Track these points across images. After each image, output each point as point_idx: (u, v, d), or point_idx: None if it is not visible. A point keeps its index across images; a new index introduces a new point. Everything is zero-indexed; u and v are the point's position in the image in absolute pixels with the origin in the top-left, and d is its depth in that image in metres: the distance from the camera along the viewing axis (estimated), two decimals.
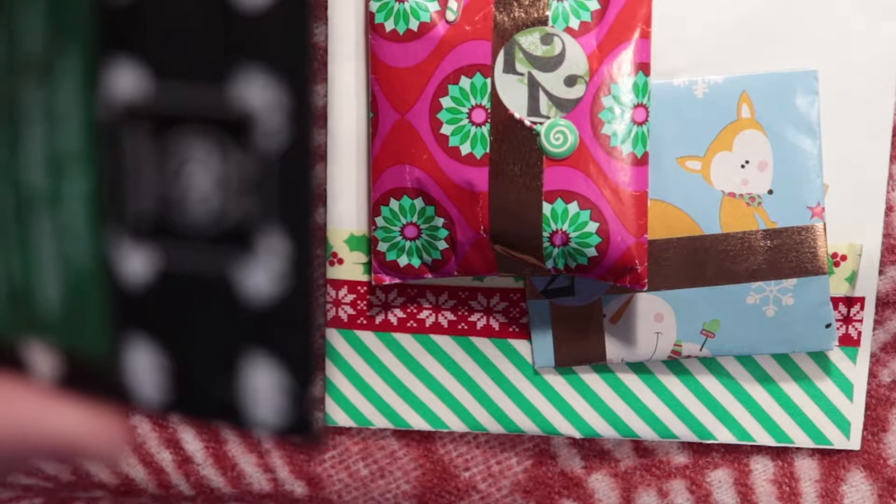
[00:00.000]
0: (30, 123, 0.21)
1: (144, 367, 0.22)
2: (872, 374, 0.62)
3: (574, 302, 0.61)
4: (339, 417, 0.64)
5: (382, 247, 0.59)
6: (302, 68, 0.19)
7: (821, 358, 0.62)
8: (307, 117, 0.20)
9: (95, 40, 0.20)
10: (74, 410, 0.23)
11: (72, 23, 0.20)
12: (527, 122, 0.56)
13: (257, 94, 0.20)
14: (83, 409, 0.23)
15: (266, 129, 0.20)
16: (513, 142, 0.56)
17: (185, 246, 0.21)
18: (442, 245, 0.58)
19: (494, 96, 0.56)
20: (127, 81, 0.20)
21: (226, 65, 0.20)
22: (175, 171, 0.21)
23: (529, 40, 0.56)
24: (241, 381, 0.22)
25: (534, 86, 0.56)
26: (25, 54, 0.21)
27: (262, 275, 0.21)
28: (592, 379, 0.63)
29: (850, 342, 0.61)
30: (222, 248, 0.21)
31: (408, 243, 0.59)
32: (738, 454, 0.64)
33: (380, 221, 0.59)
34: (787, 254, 0.59)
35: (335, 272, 0.62)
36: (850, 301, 0.61)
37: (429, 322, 0.62)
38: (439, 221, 0.58)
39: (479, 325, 0.62)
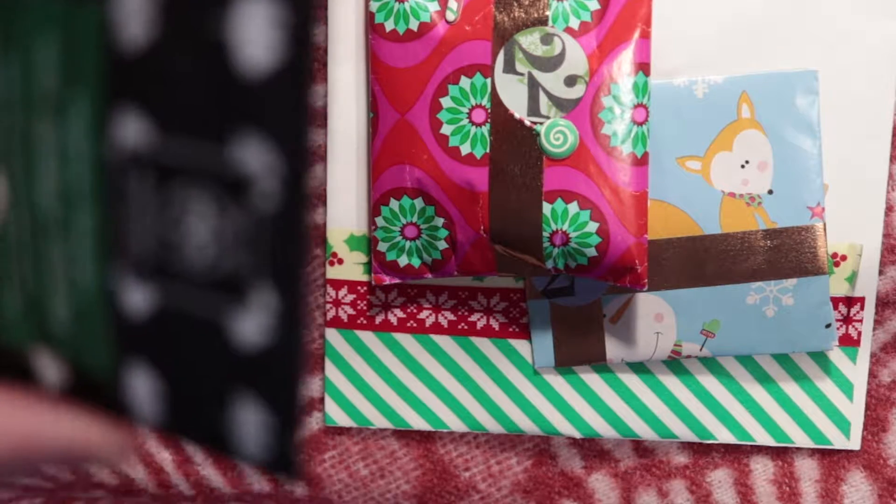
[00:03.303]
0: (43, 156, 0.22)
1: (143, 389, 0.23)
2: (872, 374, 0.62)
3: (574, 302, 0.61)
4: (339, 417, 0.64)
5: (382, 247, 0.59)
6: (298, 136, 0.20)
7: (821, 358, 0.62)
8: (302, 183, 0.21)
9: (105, 88, 0.21)
10: (81, 417, 0.23)
11: (83, 68, 0.21)
12: (527, 122, 0.56)
13: (255, 157, 0.20)
14: (89, 416, 0.24)
15: (261, 191, 0.21)
16: (513, 142, 0.56)
17: (182, 288, 0.22)
18: (442, 245, 0.58)
19: (494, 96, 0.56)
20: (133, 130, 0.21)
21: (226, 126, 0.20)
22: (175, 219, 0.21)
23: (529, 40, 0.56)
24: (229, 415, 0.23)
25: (534, 86, 0.56)
26: (41, 91, 0.21)
27: (252, 325, 0.22)
28: (592, 379, 0.63)
29: (850, 342, 0.61)
30: (216, 294, 0.22)
31: (408, 243, 0.59)
32: (738, 454, 0.64)
33: (380, 221, 0.59)
34: (787, 254, 0.59)
35: (335, 272, 0.62)
36: (850, 301, 0.61)
37: (429, 322, 0.62)
38: (439, 221, 0.58)
39: (479, 325, 0.62)
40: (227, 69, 0.20)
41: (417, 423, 0.64)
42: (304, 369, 0.22)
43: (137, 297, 0.22)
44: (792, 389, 0.62)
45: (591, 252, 0.56)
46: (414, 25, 0.57)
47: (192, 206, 0.21)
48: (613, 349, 0.61)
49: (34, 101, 0.22)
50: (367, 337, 0.63)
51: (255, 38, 0.20)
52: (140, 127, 0.21)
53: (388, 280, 0.60)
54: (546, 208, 0.56)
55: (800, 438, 0.63)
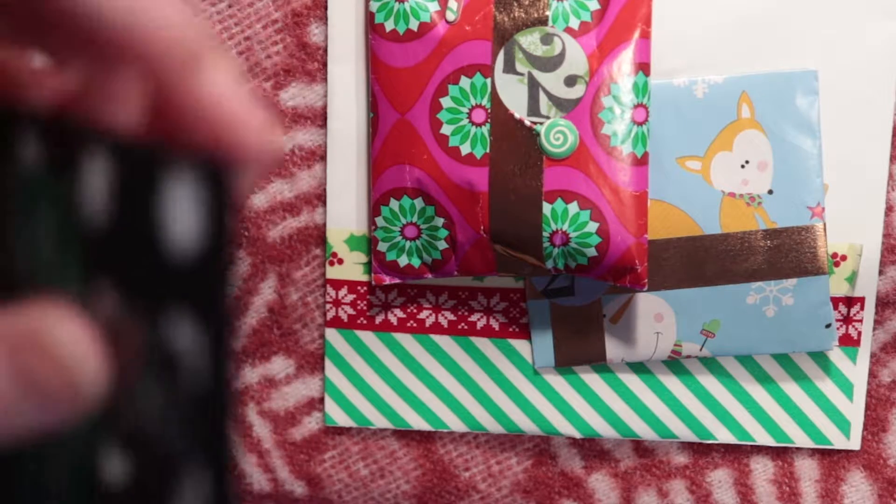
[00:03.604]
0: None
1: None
2: (872, 374, 0.62)
3: (574, 302, 0.61)
4: (339, 417, 0.64)
5: (382, 247, 0.59)
6: (222, 315, 0.21)
7: (821, 358, 0.62)
8: (223, 359, 0.22)
9: (85, 264, 0.22)
10: None
11: (69, 243, 0.22)
12: (527, 122, 0.56)
13: (183, 334, 0.22)
14: None
15: (189, 369, 0.22)
16: (513, 142, 0.56)
17: (139, 454, 0.23)
18: (442, 245, 0.58)
19: (494, 96, 0.56)
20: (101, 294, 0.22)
21: (159, 309, 0.22)
22: (130, 399, 0.22)
23: (529, 40, 0.56)
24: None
25: (534, 86, 0.56)
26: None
27: (187, 496, 0.23)
28: (592, 379, 0.63)
29: (850, 342, 0.61)
30: (155, 475, 0.22)
31: (408, 243, 0.59)
32: (738, 454, 0.64)
33: (380, 221, 0.59)
34: (787, 254, 0.59)
35: (335, 272, 0.62)
36: (850, 301, 0.61)
37: (429, 322, 0.62)
38: (439, 221, 0.58)
39: (479, 325, 0.62)
40: (156, 251, 0.21)
41: (417, 423, 0.64)
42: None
43: (113, 467, 0.23)
44: (792, 389, 0.62)
45: (591, 252, 0.56)
46: (414, 25, 0.57)
47: (142, 387, 0.22)
48: (613, 349, 0.61)
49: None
50: (367, 337, 0.63)
51: (182, 220, 0.21)
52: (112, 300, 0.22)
53: (388, 280, 0.60)
54: (546, 208, 0.56)
55: (800, 438, 0.63)
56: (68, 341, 0.22)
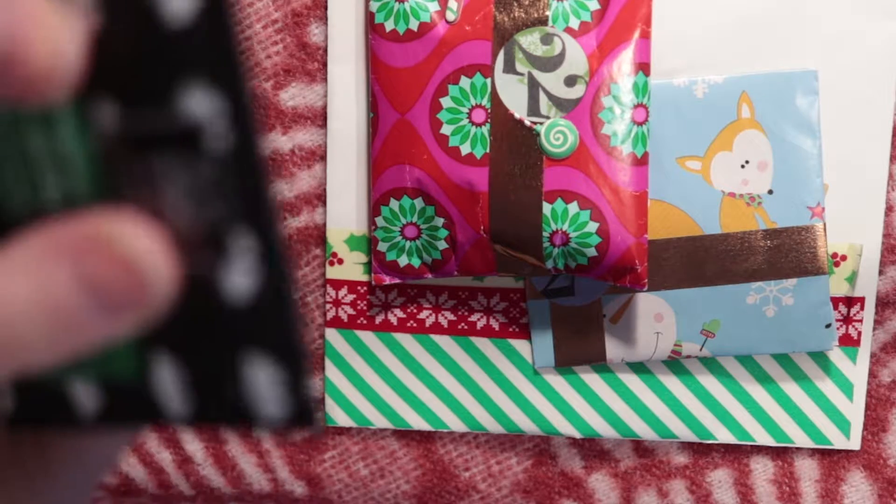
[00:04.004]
0: (42, 170, 0.22)
1: (167, 381, 0.23)
2: (872, 374, 0.62)
3: (574, 302, 0.61)
4: (339, 417, 0.64)
5: (382, 247, 0.59)
6: (232, 72, 0.21)
7: (821, 358, 0.62)
8: (247, 116, 0.21)
9: (78, 84, 0.22)
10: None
11: None
12: (527, 122, 0.56)
13: (200, 105, 0.21)
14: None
15: (213, 135, 0.21)
16: (513, 142, 0.56)
17: (190, 255, 0.22)
18: (442, 245, 0.58)
19: (494, 96, 0.56)
20: (106, 116, 0.22)
21: (168, 83, 0.21)
22: (153, 188, 0.22)
23: (529, 40, 0.56)
24: (242, 381, 0.23)
25: (534, 86, 0.56)
26: (28, 110, 0.22)
27: (239, 274, 0.22)
28: (592, 379, 0.63)
29: (850, 342, 0.61)
30: (202, 253, 0.22)
31: (408, 243, 0.59)
32: (738, 454, 0.64)
33: (380, 221, 0.59)
34: (787, 254, 0.59)
35: (335, 272, 0.62)
36: (850, 301, 0.61)
37: (429, 322, 0.62)
38: (439, 221, 0.58)
39: (479, 325, 0.62)
40: (153, 24, 0.21)
41: (417, 423, 0.64)
42: (298, 310, 0.22)
43: None
44: (792, 389, 0.62)
45: (591, 252, 0.56)
46: (414, 25, 0.57)
47: (163, 172, 0.22)
48: (613, 349, 0.61)
49: (24, 120, 0.22)
50: (367, 337, 0.63)
51: None
52: (108, 111, 0.22)
53: (388, 280, 0.60)
54: (546, 208, 0.56)
55: (800, 438, 0.63)
56: (135, 242, 0.21)
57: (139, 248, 0.21)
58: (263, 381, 0.23)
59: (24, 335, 0.20)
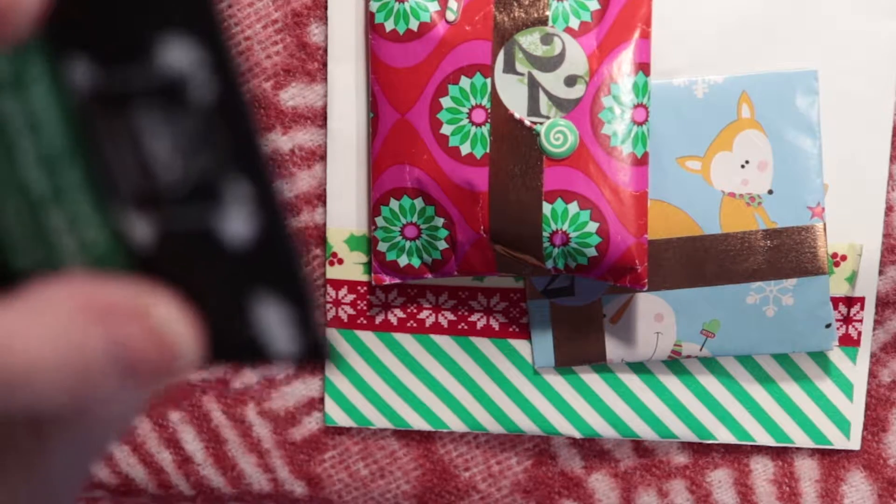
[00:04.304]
0: (17, 134, 0.22)
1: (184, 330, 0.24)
2: (872, 374, 0.62)
3: (574, 302, 0.61)
4: (339, 417, 0.64)
5: (382, 247, 0.59)
6: (210, 21, 0.21)
7: (821, 358, 0.62)
8: (229, 64, 0.21)
9: (49, 43, 0.22)
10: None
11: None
12: (527, 122, 0.56)
13: (180, 57, 0.21)
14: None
15: (196, 86, 0.21)
16: (513, 142, 0.56)
17: (169, 209, 0.23)
18: (442, 245, 0.58)
19: (494, 96, 0.56)
20: (80, 74, 0.22)
21: (145, 37, 0.21)
22: (138, 145, 0.22)
23: (529, 40, 0.56)
24: (252, 321, 0.23)
25: (534, 86, 0.56)
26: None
27: (236, 221, 0.22)
28: (592, 379, 0.63)
29: (850, 342, 0.61)
30: (197, 205, 0.22)
31: (408, 243, 0.59)
32: (738, 454, 0.64)
33: (380, 221, 0.59)
34: (787, 254, 0.59)
35: (335, 272, 0.62)
36: (850, 301, 0.61)
37: (429, 322, 0.62)
38: (439, 221, 0.58)
39: (479, 325, 0.62)
40: None
41: (417, 423, 0.64)
42: (300, 246, 0.23)
43: (140, 233, 0.23)
44: (792, 389, 0.62)
45: (591, 252, 0.56)
46: (414, 25, 0.57)
47: (147, 128, 0.22)
48: (613, 349, 0.61)
49: None
50: (367, 337, 0.63)
51: None
52: (84, 68, 0.22)
53: (388, 280, 0.60)
54: (546, 208, 0.56)
55: (800, 438, 0.63)
56: (168, 317, 0.22)
57: (173, 323, 0.22)
58: (273, 320, 0.23)
59: (44, 389, 0.21)
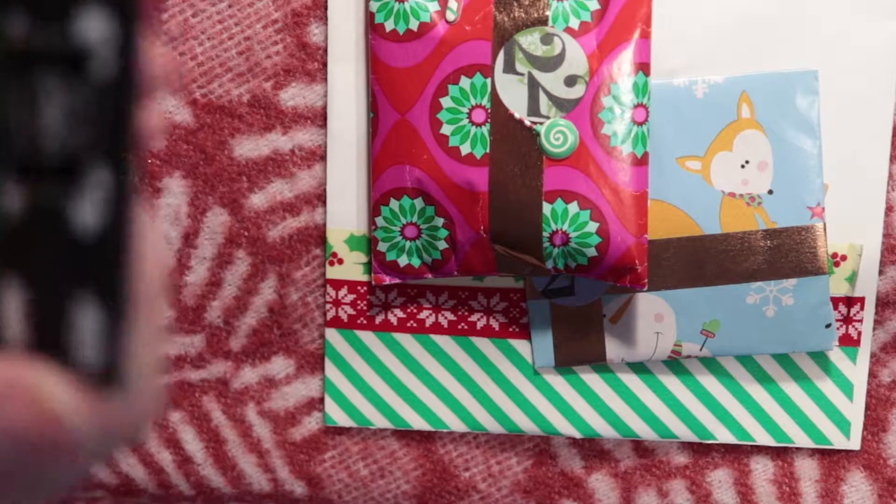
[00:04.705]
0: None
1: (10, 305, 0.23)
2: (872, 374, 0.62)
3: (574, 302, 0.61)
4: (339, 417, 0.64)
5: (382, 247, 0.59)
6: (129, 1, 0.21)
7: (821, 358, 0.62)
8: (134, 49, 0.21)
9: None
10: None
11: None
12: (527, 122, 0.56)
13: (94, 27, 0.21)
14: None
15: (100, 61, 0.21)
16: (513, 142, 0.56)
17: (40, 182, 0.22)
18: (442, 245, 0.58)
19: (494, 96, 0.56)
20: (12, 25, 0.21)
21: (65, 2, 0.21)
22: (34, 108, 0.22)
23: (529, 40, 0.56)
24: (69, 319, 0.22)
25: (534, 86, 0.56)
26: None
27: (88, 209, 0.22)
28: (592, 379, 0.63)
29: (850, 342, 0.61)
30: (63, 182, 0.22)
31: (408, 243, 0.59)
32: (738, 454, 0.64)
33: (380, 221, 0.59)
34: (787, 254, 0.59)
35: (335, 272, 0.62)
36: (850, 301, 0.61)
37: (429, 322, 0.62)
38: (439, 221, 0.58)
39: (479, 325, 0.62)
40: None
41: (417, 423, 0.64)
42: (131, 258, 0.22)
43: (10, 201, 0.22)
44: (792, 389, 0.62)
45: (591, 252, 0.56)
46: (414, 25, 0.57)
47: (45, 89, 0.21)
48: (613, 349, 0.61)
49: None
50: (367, 337, 0.63)
51: None
52: (15, 19, 0.22)
53: (388, 280, 0.60)
54: (546, 208, 0.56)
55: (800, 438, 0.63)
56: (52, 391, 0.21)
57: (57, 396, 0.21)
58: (86, 325, 0.22)
59: None
